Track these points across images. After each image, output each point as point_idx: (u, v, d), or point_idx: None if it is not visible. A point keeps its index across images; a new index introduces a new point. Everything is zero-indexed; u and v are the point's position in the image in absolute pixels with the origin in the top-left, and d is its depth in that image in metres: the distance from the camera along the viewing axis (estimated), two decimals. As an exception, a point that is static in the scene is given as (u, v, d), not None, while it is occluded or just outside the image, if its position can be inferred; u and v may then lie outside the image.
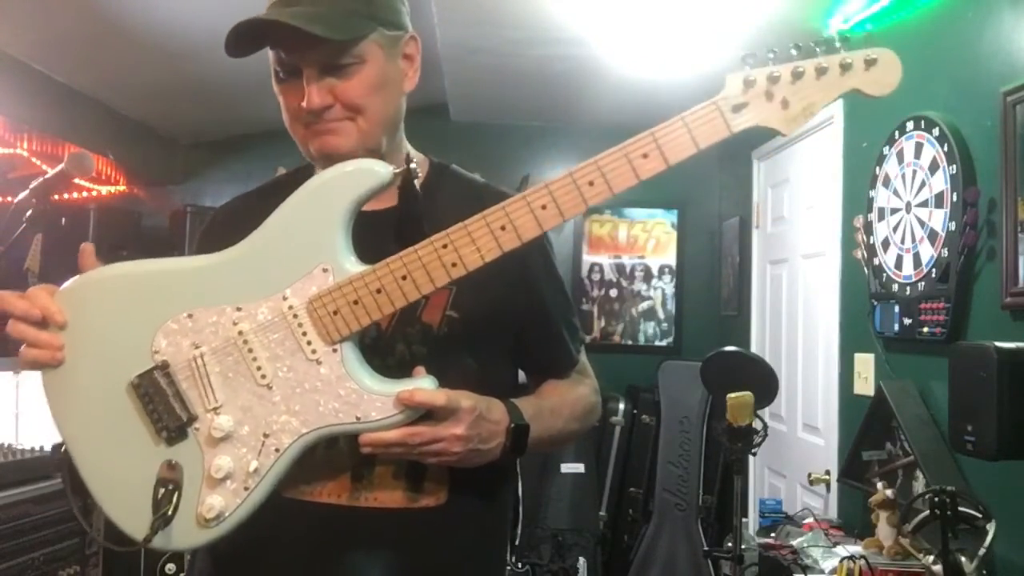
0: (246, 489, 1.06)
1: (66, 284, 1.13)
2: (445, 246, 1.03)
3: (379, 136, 1.21)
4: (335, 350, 1.05)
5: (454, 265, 1.03)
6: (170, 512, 1.05)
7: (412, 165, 1.10)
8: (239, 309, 1.07)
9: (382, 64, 1.19)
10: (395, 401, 1.03)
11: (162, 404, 1.08)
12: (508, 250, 1.04)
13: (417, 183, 1.27)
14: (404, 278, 1.04)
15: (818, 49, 1.01)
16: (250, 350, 1.07)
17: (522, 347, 1.28)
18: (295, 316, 1.06)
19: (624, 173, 1.02)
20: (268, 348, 1.06)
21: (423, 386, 1.05)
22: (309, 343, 1.06)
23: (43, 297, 1.12)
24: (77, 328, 1.11)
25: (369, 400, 1.04)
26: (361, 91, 1.17)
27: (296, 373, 1.06)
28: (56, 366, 1.11)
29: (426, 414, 1.06)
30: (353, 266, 1.06)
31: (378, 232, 1.15)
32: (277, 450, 1.05)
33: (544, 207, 1.03)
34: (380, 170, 1.07)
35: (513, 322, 1.26)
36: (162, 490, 1.06)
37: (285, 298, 1.06)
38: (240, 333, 1.07)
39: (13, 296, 1.12)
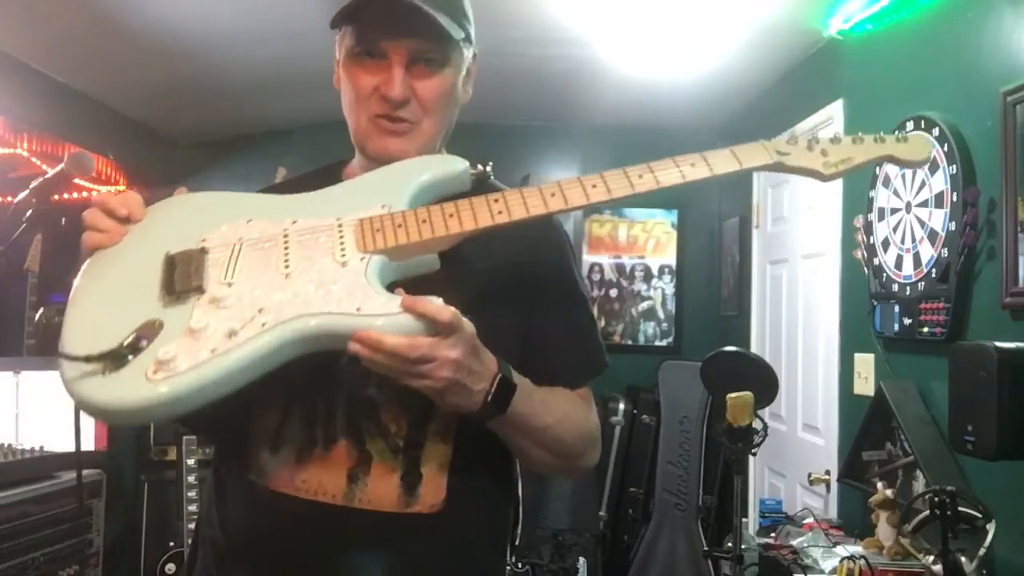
0: (212, 351, 0.96)
1: (158, 202, 1.19)
2: (496, 200, 1.10)
3: (436, 144, 1.24)
4: (363, 258, 1.06)
5: (500, 212, 1.09)
6: (129, 357, 0.96)
7: (488, 169, 1.16)
8: (295, 221, 1.11)
9: (457, 76, 1.23)
10: (400, 305, 1.00)
11: (182, 272, 1.06)
12: (554, 210, 1.10)
13: None
14: (451, 215, 1.08)
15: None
16: (287, 246, 1.08)
17: (523, 360, 1.24)
18: (340, 228, 1.09)
19: (672, 172, 1.11)
20: (303, 247, 1.08)
21: (433, 299, 1.01)
22: (343, 249, 1.07)
23: (134, 199, 1.18)
24: (148, 224, 1.15)
25: (376, 298, 1.01)
26: (438, 94, 1.20)
27: (319, 271, 1.04)
28: (109, 247, 1.13)
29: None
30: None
31: None
32: (264, 324, 0.98)
33: (595, 186, 1.10)
34: (456, 163, 1.16)
35: (524, 334, 1.24)
36: (132, 336, 0.98)
37: (339, 218, 1.10)
38: (284, 233, 1.10)
39: (111, 195, 1.19)
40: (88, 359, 0.95)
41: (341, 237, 1.08)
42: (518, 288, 1.22)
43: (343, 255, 1.06)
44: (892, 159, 1.13)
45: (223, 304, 1.01)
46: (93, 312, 1.05)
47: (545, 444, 1.20)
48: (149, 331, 0.99)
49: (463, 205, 1.09)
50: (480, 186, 1.16)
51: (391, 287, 1.05)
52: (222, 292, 1.02)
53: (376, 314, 0.99)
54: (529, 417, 1.15)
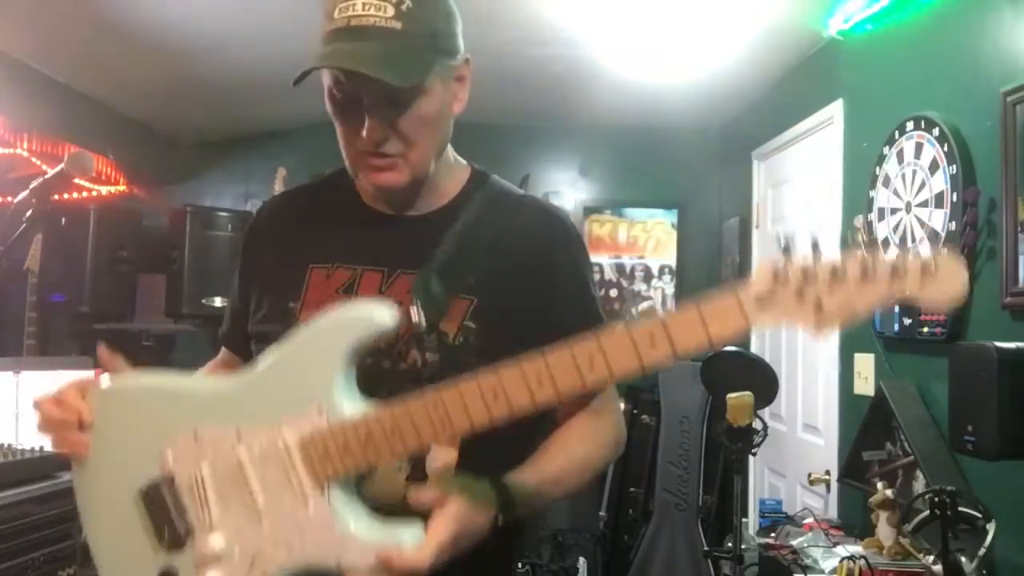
0: None
1: (98, 388, 1.21)
2: (437, 405, 1.03)
3: (428, 165, 1.23)
4: (323, 491, 1.07)
5: (443, 425, 1.03)
6: None
7: (414, 318, 1.13)
8: (239, 434, 1.11)
9: (440, 95, 1.20)
10: (375, 559, 1.02)
11: (164, 515, 1.14)
12: (497, 417, 1.02)
13: (456, 192, 1.29)
14: (393, 430, 1.04)
15: (864, 239, 0.89)
16: (245, 478, 1.10)
17: None
18: (288, 453, 1.08)
19: (628, 357, 0.96)
20: (262, 479, 1.10)
21: (406, 541, 1.03)
22: (299, 481, 1.08)
23: (75, 400, 1.19)
24: (101, 430, 1.20)
25: (352, 547, 1.05)
26: (418, 125, 1.18)
27: (285, 507, 1.08)
28: (82, 462, 1.20)
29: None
30: (349, 408, 1.08)
31: (406, 237, 1.22)
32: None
33: (540, 381, 1.00)
34: (384, 318, 1.08)
35: (531, 339, 1.24)
36: None
37: (281, 432, 1.09)
38: (238, 460, 1.11)
39: (50, 404, 1.20)
40: None
41: (293, 465, 1.08)
42: (531, 292, 1.22)
43: (302, 490, 1.08)
44: (913, 300, 0.87)
45: (219, 561, 1.10)
46: (115, 568, 1.20)
47: (566, 494, 1.26)
48: None
49: (403, 417, 1.04)
50: (407, 323, 1.12)
51: None
52: (212, 545, 1.11)
53: (356, 567, 1.05)
54: (542, 503, 1.20)
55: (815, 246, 0.89)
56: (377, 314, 1.08)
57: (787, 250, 0.90)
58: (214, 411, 1.14)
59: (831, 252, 0.87)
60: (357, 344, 1.08)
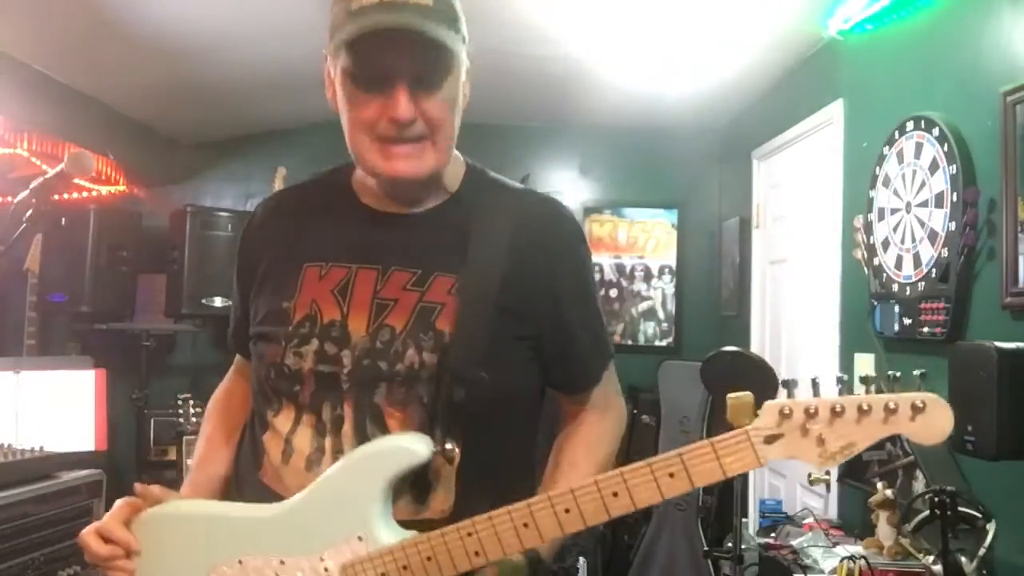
0: None
1: (142, 516, 1.25)
2: (470, 534, 1.08)
3: (448, 156, 1.23)
4: None
5: (476, 554, 1.08)
6: None
7: (448, 446, 1.14)
8: (282, 562, 1.15)
9: (460, 80, 1.20)
10: None
11: None
12: (528, 545, 1.07)
13: (453, 188, 1.29)
14: (429, 559, 1.09)
15: (863, 387, 0.98)
16: None
17: (541, 360, 1.26)
18: None
19: (648, 488, 1.04)
20: None
21: None
22: None
23: (119, 532, 1.22)
24: (147, 557, 1.24)
25: None
26: (444, 107, 1.17)
27: None
28: None
29: None
30: (388, 537, 1.11)
31: (402, 234, 1.22)
32: None
33: (567, 511, 1.05)
34: (420, 450, 1.12)
35: (532, 335, 1.24)
36: None
37: (322, 559, 1.13)
38: None
39: (96, 540, 1.22)
40: None
41: None
42: (530, 287, 1.22)
43: None
44: (905, 435, 0.97)
45: None
46: None
47: None
48: None
49: (439, 546, 1.09)
50: (445, 453, 1.15)
51: None
52: None
53: None
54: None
55: (815, 387, 0.99)
56: (414, 446, 1.13)
57: (790, 391, 1.01)
58: (257, 539, 1.18)
59: (830, 394, 0.99)
60: (395, 476, 1.12)
